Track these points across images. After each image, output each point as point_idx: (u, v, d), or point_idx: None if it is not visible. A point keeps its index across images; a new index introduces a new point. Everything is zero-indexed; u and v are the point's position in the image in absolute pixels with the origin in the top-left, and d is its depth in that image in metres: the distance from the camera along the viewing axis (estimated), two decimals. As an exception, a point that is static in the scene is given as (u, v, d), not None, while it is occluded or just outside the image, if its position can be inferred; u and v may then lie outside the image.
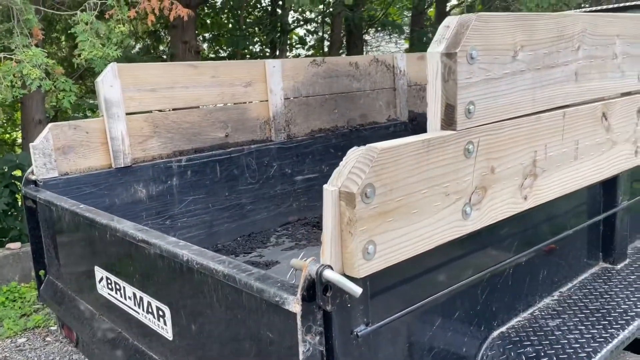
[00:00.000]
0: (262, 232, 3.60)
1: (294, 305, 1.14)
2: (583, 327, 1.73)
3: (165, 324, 1.78)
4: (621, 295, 1.93)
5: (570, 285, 2.03)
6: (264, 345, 1.35)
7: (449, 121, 1.34)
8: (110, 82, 2.94)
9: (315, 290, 1.13)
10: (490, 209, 1.49)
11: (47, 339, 3.73)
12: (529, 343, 1.66)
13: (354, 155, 1.18)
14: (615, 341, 1.65)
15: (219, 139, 3.48)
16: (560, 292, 1.98)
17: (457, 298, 1.56)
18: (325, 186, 1.15)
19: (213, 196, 3.44)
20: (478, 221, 1.45)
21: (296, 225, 3.72)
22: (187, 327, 1.69)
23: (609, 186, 2.09)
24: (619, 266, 2.17)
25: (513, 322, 1.78)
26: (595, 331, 1.71)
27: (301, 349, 1.15)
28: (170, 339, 1.78)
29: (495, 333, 1.72)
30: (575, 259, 2.07)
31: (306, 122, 3.88)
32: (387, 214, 1.20)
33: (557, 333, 1.71)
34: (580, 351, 1.61)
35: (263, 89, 3.64)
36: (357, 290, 1.11)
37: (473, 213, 1.43)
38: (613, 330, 1.71)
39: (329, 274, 1.11)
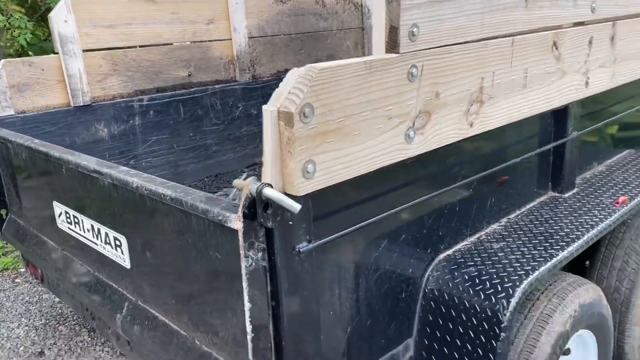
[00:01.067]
0: (229, 173, 3.62)
1: (236, 222, 1.17)
2: (525, 249, 1.82)
3: (122, 253, 1.82)
4: (565, 221, 2.02)
5: (518, 212, 2.11)
6: (213, 265, 1.39)
7: (392, 44, 1.35)
8: (64, 17, 2.84)
9: (256, 207, 1.16)
10: (434, 134, 1.52)
11: (17, 280, 3.75)
12: (472, 264, 1.75)
13: (294, 75, 1.19)
14: (553, 260, 1.75)
15: (181, 78, 3.43)
16: (508, 218, 2.06)
17: (403, 221, 1.62)
18: (264, 106, 1.17)
19: (178, 136, 3.42)
20: (422, 145, 1.49)
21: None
22: (143, 255, 1.73)
23: (559, 116, 2.14)
24: (566, 195, 2.26)
25: (459, 245, 1.86)
26: (537, 252, 1.80)
27: (244, 264, 1.20)
28: (129, 267, 1.81)
29: (442, 255, 1.80)
30: (525, 187, 2.15)
31: (272, 62, 3.83)
32: (327, 135, 1.22)
33: (500, 254, 1.79)
34: (519, 269, 1.69)
35: (226, 27, 3.56)
36: (295, 206, 1.14)
37: (417, 137, 1.46)
38: (553, 251, 1.80)
39: (268, 192, 1.15)
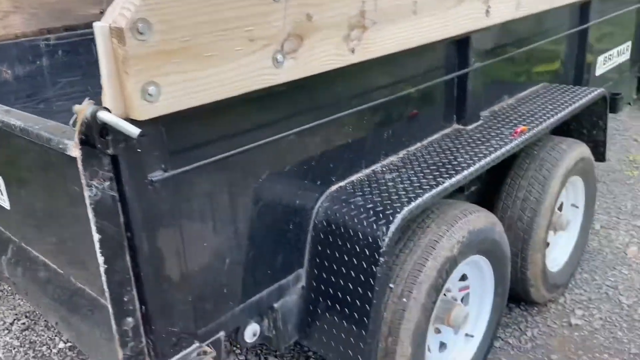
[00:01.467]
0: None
1: (73, 149, 1.12)
2: (415, 178, 1.83)
3: (2, 194, 1.74)
4: (461, 151, 2.03)
5: (419, 144, 2.11)
6: (69, 198, 1.34)
7: (250, -40, 1.27)
8: (-51, -53, 2.60)
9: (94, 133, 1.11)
10: (309, 59, 1.47)
11: None
12: (361, 193, 1.75)
13: (130, -10, 1.10)
14: (439, 188, 1.76)
15: (92, 16, 3.23)
16: (407, 150, 2.06)
17: (285, 151, 1.58)
18: (95, 23, 1.09)
19: (91, 78, 3.25)
20: (294, 71, 1.44)
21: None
22: (19, 194, 1.66)
23: (460, 47, 2.12)
24: (470, 127, 2.27)
25: (353, 177, 1.85)
26: (425, 180, 1.81)
27: (87, 193, 1.15)
28: (9, 208, 1.74)
29: (334, 187, 1.79)
30: (427, 120, 2.14)
31: None
32: (171, 54, 1.15)
33: (389, 184, 1.80)
34: (403, 197, 1.71)
35: (139, -40, 3.34)
36: (133, 131, 1.09)
37: (287, 62, 1.41)
38: (442, 179, 1.82)
39: (102, 115, 1.09)
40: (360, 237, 1.63)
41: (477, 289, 2.20)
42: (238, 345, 2.58)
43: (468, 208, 1.98)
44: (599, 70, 3.44)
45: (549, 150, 2.52)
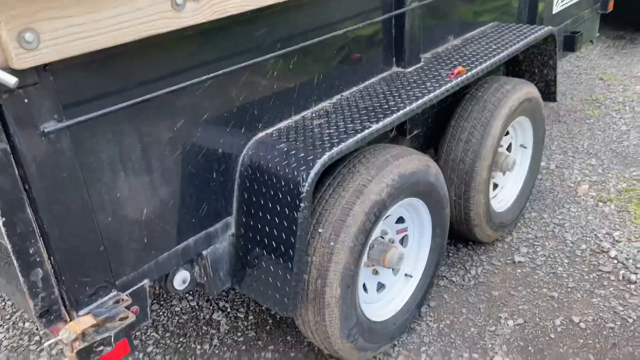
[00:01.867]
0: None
1: (-47, 101, 1.08)
2: (343, 123, 1.82)
3: None
4: (395, 94, 2.02)
5: (354, 88, 2.09)
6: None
7: None
8: None
9: (-29, 83, 1.07)
10: (213, 1, 1.42)
11: None
12: (286, 140, 1.74)
13: None
14: (364, 132, 1.76)
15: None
16: (341, 95, 2.03)
17: (202, 98, 1.55)
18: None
19: None
20: (198, 14, 1.39)
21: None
22: None
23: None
24: (409, 70, 2.24)
25: (281, 124, 1.83)
26: (352, 125, 1.80)
27: (-26, 146, 1.13)
28: None
29: (260, 134, 1.77)
30: (363, 63, 2.11)
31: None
32: (49, -1, 1.11)
33: (316, 130, 1.79)
34: (327, 142, 1.70)
35: None
36: (9, 80, 1.05)
37: (188, 4, 1.36)
38: (369, 123, 1.81)
39: (-23, 65, 1.05)
40: (282, 183, 1.63)
41: (415, 231, 2.24)
42: (191, 293, 2.64)
43: (400, 151, 1.98)
44: (556, 8, 3.38)
45: (493, 92, 2.51)
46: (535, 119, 2.79)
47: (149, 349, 2.33)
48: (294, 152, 1.67)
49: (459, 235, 2.73)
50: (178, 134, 1.52)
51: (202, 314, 2.50)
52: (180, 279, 1.70)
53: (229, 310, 2.51)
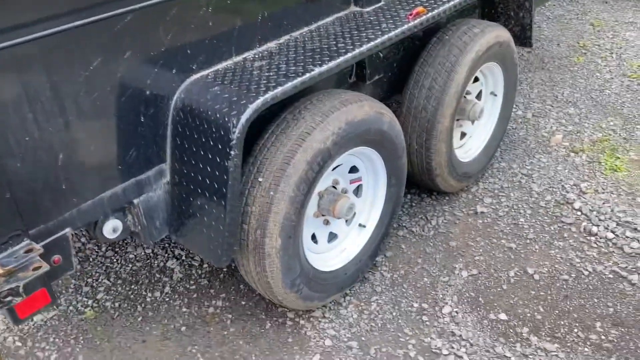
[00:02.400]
0: None
1: None
2: (285, 66, 1.71)
3: None
4: (346, 36, 1.89)
5: (305, 29, 1.95)
6: None
7: None
8: None
9: None
10: None
11: None
12: (221, 82, 1.63)
13: None
14: (305, 76, 1.65)
15: None
16: (290, 35, 1.91)
17: (121, 35, 1.43)
18: None
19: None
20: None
21: None
22: None
23: None
24: (368, 9, 2.10)
25: (220, 65, 1.72)
26: (294, 68, 1.69)
27: None
28: None
29: (194, 77, 1.66)
30: (317, 2, 1.96)
31: None
32: None
33: (255, 72, 1.68)
34: (263, 86, 1.60)
35: None
36: None
37: None
38: (312, 66, 1.69)
39: None
40: (213, 129, 1.54)
41: (369, 181, 2.17)
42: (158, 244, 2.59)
43: (350, 97, 1.87)
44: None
45: (459, 35, 2.37)
46: (507, 65, 2.67)
47: (99, 296, 2.30)
48: (227, 95, 1.57)
49: (422, 185, 2.67)
50: (95, 74, 1.41)
51: (156, 262, 2.47)
52: (110, 228, 1.64)
53: (183, 258, 2.48)
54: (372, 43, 1.83)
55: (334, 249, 2.15)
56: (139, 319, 2.19)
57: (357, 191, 2.18)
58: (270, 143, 1.75)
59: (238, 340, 2.08)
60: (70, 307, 2.26)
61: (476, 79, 2.69)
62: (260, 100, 1.53)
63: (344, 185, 2.09)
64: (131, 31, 1.45)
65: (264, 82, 1.61)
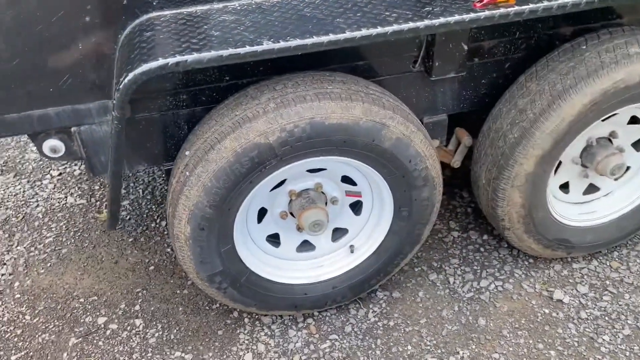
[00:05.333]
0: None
1: None
2: (251, 29, 1.32)
3: None
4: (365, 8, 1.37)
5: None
6: None
7: None
8: None
9: None
10: None
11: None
12: (165, 30, 1.34)
13: None
14: (249, 49, 1.24)
15: None
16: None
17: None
18: None
19: None
20: None
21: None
22: None
23: None
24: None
25: (186, 9, 1.41)
26: (254, 36, 1.29)
27: None
28: None
29: (154, 14, 1.40)
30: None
31: None
32: None
33: (211, 29, 1.33)
34: (186, 47, 1.26)
35: None
36: None
37: None
38: (278, 38, 1.27)
39: None
40: (120, 79, 1.30)
41: (375, 203, 1.67)
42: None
43: (337, 91, 1.39)
44: None
45: (603, 50, 1.56)
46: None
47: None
48: (151, 46, 1.29)
49: (494, 230, 1.99)
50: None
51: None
52: (49, 147, 1.60)
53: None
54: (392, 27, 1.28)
55: (303, 260, 1.78)
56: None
57: (356, 208, 1.72)
58: (216, 116, 1.44)
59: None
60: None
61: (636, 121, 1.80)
62: (158, 63, 1.22)
63: (334, 195, 1.66)
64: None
65: (195, 42, 1.28)
